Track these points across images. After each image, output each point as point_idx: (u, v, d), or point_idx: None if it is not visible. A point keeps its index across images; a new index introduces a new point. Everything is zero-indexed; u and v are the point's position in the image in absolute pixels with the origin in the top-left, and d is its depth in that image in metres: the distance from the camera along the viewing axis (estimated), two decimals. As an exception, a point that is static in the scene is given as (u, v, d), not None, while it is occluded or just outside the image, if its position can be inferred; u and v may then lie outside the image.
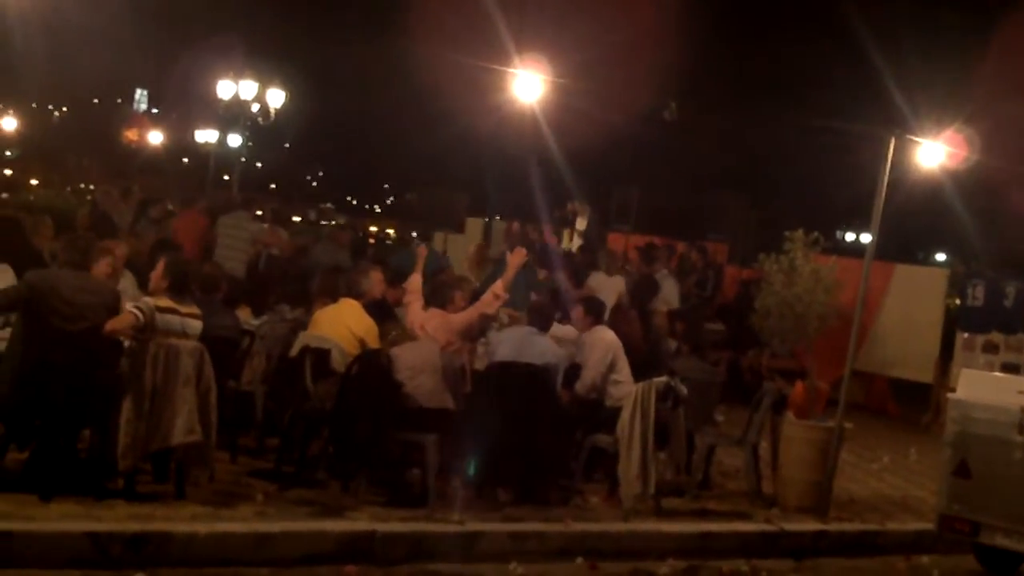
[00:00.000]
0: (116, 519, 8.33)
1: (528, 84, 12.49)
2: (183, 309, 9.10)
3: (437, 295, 11.42)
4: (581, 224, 20.51)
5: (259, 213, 19.29)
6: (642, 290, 16.82)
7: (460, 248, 21.47)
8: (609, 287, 16.18)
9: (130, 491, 8.87)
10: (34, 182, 64.65)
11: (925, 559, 10.86)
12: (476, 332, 11.11)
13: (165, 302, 9.02)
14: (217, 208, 18.14)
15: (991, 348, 16.98)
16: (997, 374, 13.72)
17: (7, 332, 9.29)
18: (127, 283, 10.72)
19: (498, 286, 10.98)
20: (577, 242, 20.46)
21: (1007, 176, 15.21)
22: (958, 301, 18.41)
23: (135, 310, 8.86)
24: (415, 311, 11.17)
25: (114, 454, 8.78)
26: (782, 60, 41.20)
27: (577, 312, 11.90)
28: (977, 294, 18.15)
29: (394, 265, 13.69)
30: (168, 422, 8.86)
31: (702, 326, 15.04)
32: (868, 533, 10.86)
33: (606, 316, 12.21)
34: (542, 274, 15.78)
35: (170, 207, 18.85)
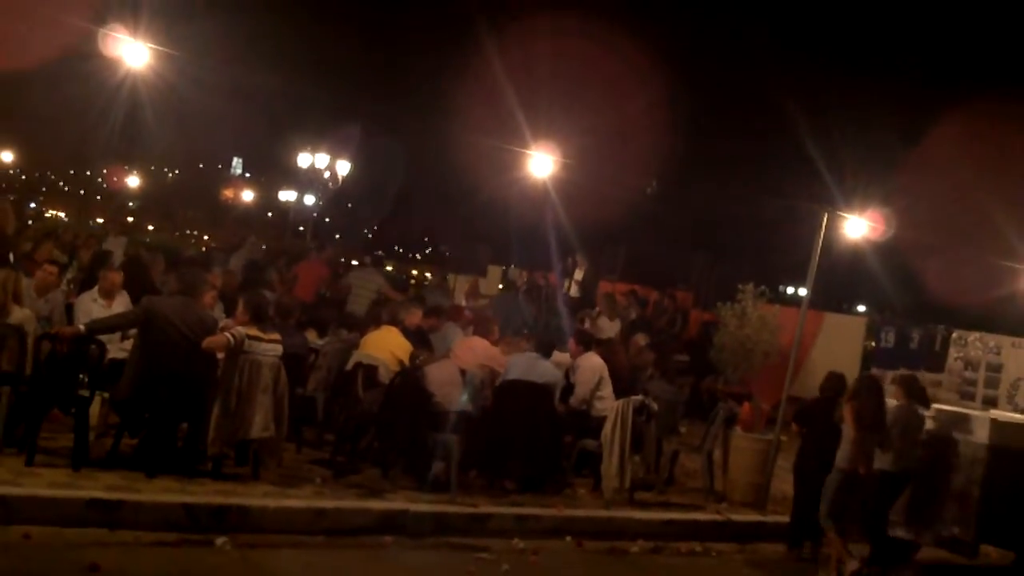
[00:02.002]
0: (204, 494, 8.38)
1: (541, 163, 12.56)
2: (266, 337, 9.14)
3: (481, 327, 11.60)
4: (579, 274, 20.40)
5: (388, 268, 19.33)
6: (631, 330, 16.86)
7: (483, 287, 21.58)
8: (611, 327, 16.33)
9: (216, 472, 8.92)
10: (150, 227, 64.91)
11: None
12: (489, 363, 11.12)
13: (254, 332, 9.06)
14: (334, 260, 18.46)
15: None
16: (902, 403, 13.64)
17: (128, 344, 9.36)
18: (218, 309, 10.77)
19: (502, 360, 11.04)
20: (575, 289, 20.40)
21: (915, 244, 15.20)
22: (873, 343, 18.34)
23: (230, 335, 8.92)
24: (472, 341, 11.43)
25: (205, 442, 8.85)
26: (742, 148, 41.30)
27: (571, 342, 11.96)
28: (888, 338, 18.08)
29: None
30: (249, 420, 8.90)
31: (671, 357, 15.01)
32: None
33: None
34: (532, 311, 16.07)
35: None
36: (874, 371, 14.29)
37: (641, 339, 15.39)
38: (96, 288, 10.61)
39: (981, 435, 9.78)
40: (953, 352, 17.28)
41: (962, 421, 10.40)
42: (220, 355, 9.04)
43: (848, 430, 9.57)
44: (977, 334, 17.24)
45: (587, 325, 15.44)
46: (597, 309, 17.40)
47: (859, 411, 9.52)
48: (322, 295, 16.60)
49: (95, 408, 9.09)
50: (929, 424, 10.29)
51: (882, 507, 10.00)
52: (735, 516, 10.87)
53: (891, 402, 10.09)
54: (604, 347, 12.47)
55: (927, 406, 10.45)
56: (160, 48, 10.21)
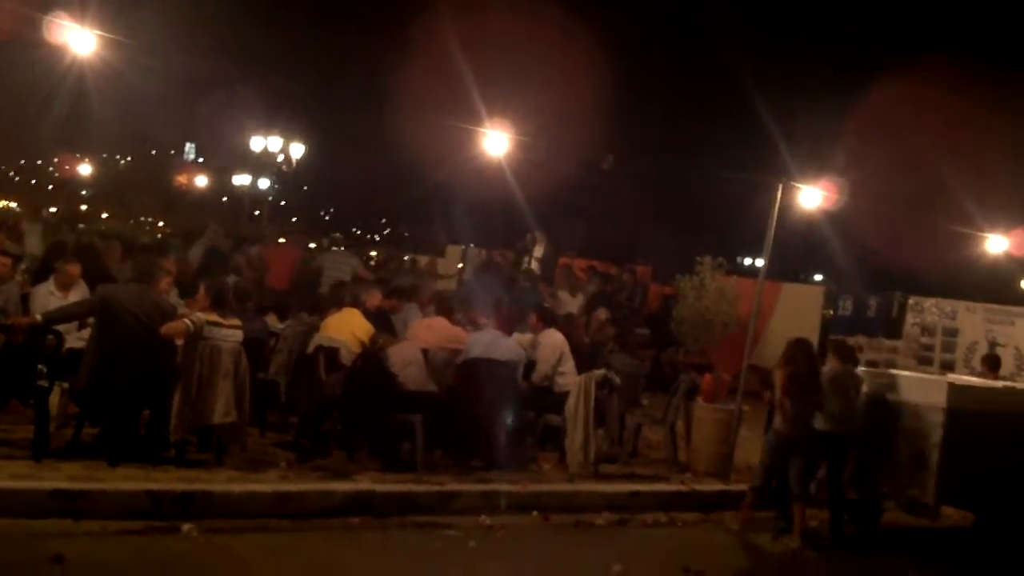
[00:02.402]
0: (168, 480, 8.34)
1: (496, 141, 12.53)
2: (226, 322, 9.11)
3: (442, 307, 11.65)
4: (538, 251, 20.45)
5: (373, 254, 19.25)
6: (592, 305, 16.96)
7: (440, 267, 21.65)
8: (572, 302, 16.41)
9: (180, 459, 8.88)
10: (104, 215, 64.24)
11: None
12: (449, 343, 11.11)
13: (214, 317, 9.03)
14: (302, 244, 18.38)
15: (857, 349, 17.09)
16: (862, 369, 13.81)
17: (86, 333, 9.28)
18: (173, 295, 10.68)
19: (463, 338, 11.03)
20: (535, 265, 20.45)
21: (870, 213, 15.34)
22: (831, 312, 18.53)
23: (188, 321, 8.88)
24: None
25: (167, 429, 8.81)
26: (698, 122, 41.48)
27: (532, 318, 11.98)
28: (846, 306, 18.31)
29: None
30: (210, 405, 8.88)
31: (632, 331, 15.09)
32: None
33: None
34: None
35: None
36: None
37: (602, 314, 15.49)
38: (52, 280, 10.50)
39: (939, 399, 9.92)
40: (910, 318, 17.54)
41: (920, 385, 10.55)
42: (179, 342, 9.00)
43: (779, 394, 9.76)
44: (933, 300, 17.50)
45: (547, 302, 15.51)
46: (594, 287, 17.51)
47: (792, 375, 9.72)
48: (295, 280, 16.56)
49: (54, 398, 9.00)
50: (887, 390, 10.43)
51: (832, 470, 10.20)
52: (699, 486, 10.95)
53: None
54: (564, 322, 12.52)
55: (857, 365, 10.79)
56: (107, 35, 10.09)
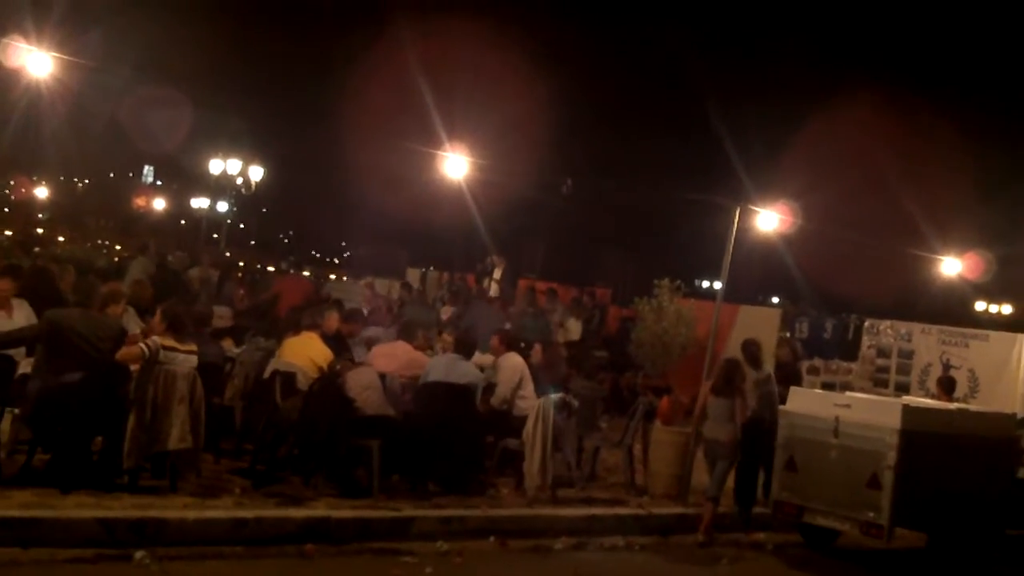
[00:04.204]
0: (122, 508, 8.24)
1: (456, 164, 12.57)
2: (182, 347, 9.04)
3: (407, 331, 11.54)
4: (498, 273, 20.46)
5: (306, 274, 19.20)
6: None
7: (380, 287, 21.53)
8: (576, 328, 16.54)
9: (133, 485, 8.78)
10: (61, 239, 63.54)
11: (762, 535, 11.01)
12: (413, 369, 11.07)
13: (170, 342, 8.96)
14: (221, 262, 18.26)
15: (813, 371, 17.19)
16: (817, 391, 13.89)
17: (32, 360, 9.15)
18: (129, 317, 10.54)
19: (424, 363, 11.02)
20: (495, 288, 20.46)
21: (826, 236, 15.48)
22: (788, 334, 18.64)
23: (144, 345, 8.81)
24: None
25: (121, 456, 8.71)
26: (656, 147, 41.69)
27: (494, 341, 11.95)
28: (803, 328, 18.44)
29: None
30: (165, 431, 8.79)
31: (590, 353, 15.13)
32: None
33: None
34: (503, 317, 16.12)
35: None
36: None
37: (561, 337, 15.51)
38: None
39: (893, 421, 10.00)
40: (866, 340, 17.66)
41: (875, 408, 10.63)
42: (135, 367, 8.91)
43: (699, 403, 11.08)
44: (889, 322, 17.63)
45: (556, 330, 15.55)
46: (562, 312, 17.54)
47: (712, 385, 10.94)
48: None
49: (6, 424, 8.92)
50: (842, 412, 10.49)
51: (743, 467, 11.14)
52: (656, 509, 10.97)
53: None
54: (545, 348, 12.59)
55: (757, 367, 11.68)
56: (64, 56, 10.02)
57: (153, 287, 12.64)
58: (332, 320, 11.63)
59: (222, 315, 13.84)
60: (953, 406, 12.01)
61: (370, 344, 12.00)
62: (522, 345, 12.42)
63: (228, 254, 37.89)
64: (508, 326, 14.82)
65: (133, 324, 10.32)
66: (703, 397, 11.07)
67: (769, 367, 12.11)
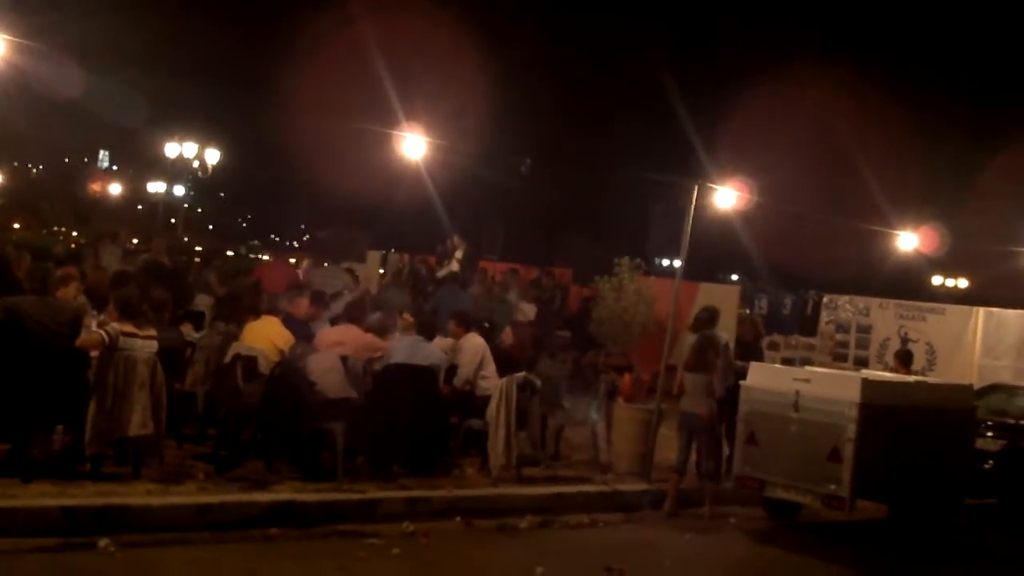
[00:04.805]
0: (84, 495, 8.18)
1: (414, 145, 12.50)
2: (141, 332, 8.97)
3: (352, 314, 11.41)
4: (458, 254, 20.39)
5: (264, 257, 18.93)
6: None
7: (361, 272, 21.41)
8: (530, 309, 16.61)
9: (96, 473, 8.71)
10: (16, 225, 62.69)
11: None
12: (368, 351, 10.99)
13: (129, 328, 8.88)
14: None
15: (773, 347, 17.34)
16: (777, 366, 14.02)
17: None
18: (83, 303, 10.42)
19: (385, 346, 10.91)
20: (457, 268, 20.37)
21: (783, 213, 15.58)
22: (748, 311, 18.75)
23: (103, 332, 8.73)
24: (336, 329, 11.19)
25: (82, 443, 8.64)
26: (615, 127, 41.78)
27: (452, 323, 11.92)
28: (762, 305, 18.56)
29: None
30: (126, 418, 8.74)
31: (552, 333, 15.14)
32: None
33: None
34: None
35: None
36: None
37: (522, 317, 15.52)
38: None
39: (853, 394, 10.10)
40: (825, 316, 17.85)
41: (834, 382, 10.74)
42: (94, 353, 8.83)
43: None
44: (847, 297, 17.83)
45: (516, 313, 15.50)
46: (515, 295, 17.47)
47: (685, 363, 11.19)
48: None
49: (-36, 415, 8.78)
50: (802, 387, 10.58)
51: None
52: (621, 486, 11.04)
53: None
54: (515, 327, 12.56)
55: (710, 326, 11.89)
56: (16, 39, 9.86)
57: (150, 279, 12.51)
58: (299, 305, 11.58)
59: (201, 303, 13.73)
60: (911, 379, 12.17)
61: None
62: (486, 326, 12.39)
63: (186, 239, 37.58)
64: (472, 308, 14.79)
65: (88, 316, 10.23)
66: (680, 375, 11.26)
67: (726, 335, 12.33)
